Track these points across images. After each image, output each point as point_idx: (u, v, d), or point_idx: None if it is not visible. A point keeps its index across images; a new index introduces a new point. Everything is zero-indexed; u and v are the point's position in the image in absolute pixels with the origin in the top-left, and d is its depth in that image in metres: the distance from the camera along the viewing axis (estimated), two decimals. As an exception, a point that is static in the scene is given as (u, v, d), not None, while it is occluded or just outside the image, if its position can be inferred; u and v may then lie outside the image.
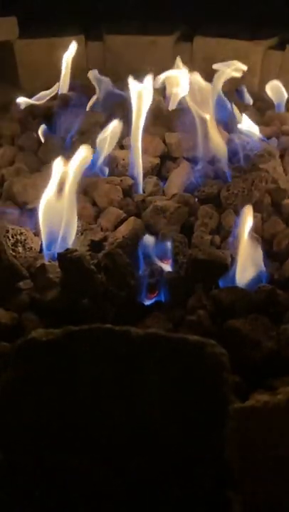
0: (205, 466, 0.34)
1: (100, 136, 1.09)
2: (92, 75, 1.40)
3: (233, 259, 0.88)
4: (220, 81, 1.31)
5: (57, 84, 1.49)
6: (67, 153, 1.18)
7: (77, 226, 0.90)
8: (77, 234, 0.90)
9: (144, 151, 1.11)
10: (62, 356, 0.39)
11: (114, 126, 1.09)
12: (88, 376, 0.38)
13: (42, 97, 1.45)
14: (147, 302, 0.82)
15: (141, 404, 0.36)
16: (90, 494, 0.32)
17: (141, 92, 1.08)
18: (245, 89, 1.56)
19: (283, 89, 1.45)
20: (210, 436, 0.35)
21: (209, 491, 0.32)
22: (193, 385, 0.38)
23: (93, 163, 1.09)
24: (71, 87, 1.53)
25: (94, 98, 1.37)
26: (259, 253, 0.85)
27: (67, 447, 0.35)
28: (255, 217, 0.98)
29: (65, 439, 0.36)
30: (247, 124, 1.26)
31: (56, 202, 0.90)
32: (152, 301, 0.83)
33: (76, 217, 0.88)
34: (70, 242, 0.87)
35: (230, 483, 0.33)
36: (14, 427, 0.36)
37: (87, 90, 1.45)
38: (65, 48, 1.57)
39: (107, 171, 1.11)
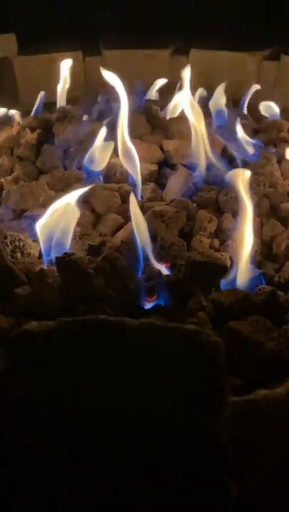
0: (200, 452, 0.33)
1: (95, 144, 1.10)
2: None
3: (233, 261, 0.87)
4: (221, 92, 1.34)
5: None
6: (65, 162, 1.20)
7: (75, 231, 0.90)
8: (75, 239, 0.90)
9: (142, 159, 1.11)
10: (56, 347, 0.38)
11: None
12: (83, 365, 0.37)
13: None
14: (147, 306, 0.82)
15: (136, 391, 0.36)
16: (84, 479, 0.31)
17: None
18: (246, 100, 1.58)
19: (275, 107, 1.49)
20: (205, 423, 0.34)
21: (204, 475, 0.31)
22: (189, 373, 0.37)
23: (89, 171, 1.10)
24: (69, 101, 1.56)
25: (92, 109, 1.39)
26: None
27: (61, 435, 0.35)
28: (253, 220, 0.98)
29: (59, 426, 0.35)
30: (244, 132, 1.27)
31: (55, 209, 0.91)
32: (152, 304, 0.82)
33: (74, 222, 0.88)
34: (67, 247, 0.87)
35: (226, 469, 0.32)
36: (4, 418, 0.35)
37: (85, 103, 1.47)
38: (63, 63, 1.60)
39: (104, 178, 1.12)
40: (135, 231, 0.85)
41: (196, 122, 1.11)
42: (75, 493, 0.32)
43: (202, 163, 1.09)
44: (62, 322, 0.41)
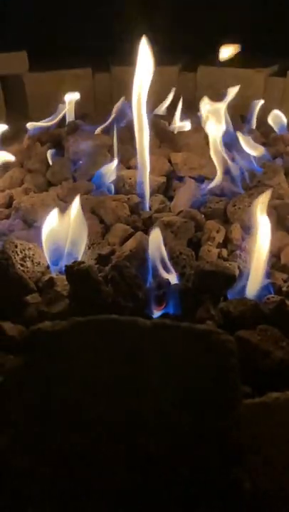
0: (213, 449, 0.33)
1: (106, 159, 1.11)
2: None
3: (241, 271, 0.88)
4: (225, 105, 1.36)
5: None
6: (74, 174, 1.21)
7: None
8: (84, 248, 0.91)
9: (151, 171, 1.12)
10: (68, 345, 0.39)
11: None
12: (95, 364, 0.38)
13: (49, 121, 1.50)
14: (155, 314, 0.82)
15: (148, 390, 0.36)
16: (96, 473, 0.31)
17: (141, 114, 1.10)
18: (253, 114, 1.59)
19: (283, 117, 1.51)
20: (218, 419, 0.35)
21: (218, 471, 0.31)
22: (202, 371, 0.37)
23: (100, 182, 1.12)
24: (78, 116, 1.58)
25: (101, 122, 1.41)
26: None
27: (73, 433, 0.35)
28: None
29: (71, 424, 0.35)
30: (251, 145, 1.29)
31: (62, 218, 0.92)
32: (160, 313, 0.82)
33: (86, 231, 0.89)
34: (79, 256, 0.88)
35: (239, 465, 0.32)
36: (18, 414, 0.36)
37: (94, 119, 1.50)
38: (73, 80, 1.63)
39: (113, 189, 1.13)
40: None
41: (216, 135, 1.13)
42: (88, 487, 0.32)
43: (218, 176, 1.10)
44: (75, 322, 0.41)
